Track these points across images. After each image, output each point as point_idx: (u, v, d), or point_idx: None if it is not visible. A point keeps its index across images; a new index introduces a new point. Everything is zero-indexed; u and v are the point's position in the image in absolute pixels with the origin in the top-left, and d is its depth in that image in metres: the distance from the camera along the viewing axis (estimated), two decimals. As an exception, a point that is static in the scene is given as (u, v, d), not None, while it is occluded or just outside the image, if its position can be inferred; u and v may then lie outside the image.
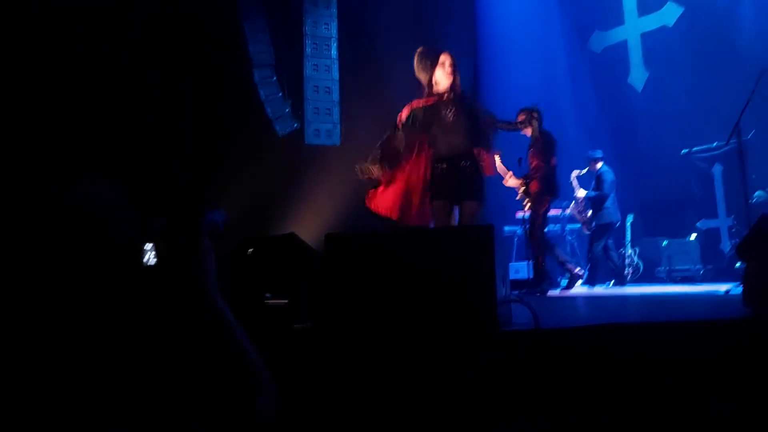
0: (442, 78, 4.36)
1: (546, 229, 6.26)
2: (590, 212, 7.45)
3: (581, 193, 7.43)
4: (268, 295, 2.98)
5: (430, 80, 4.38)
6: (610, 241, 7.39)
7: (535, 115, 5.55)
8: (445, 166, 4.33)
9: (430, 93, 4.40)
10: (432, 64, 4.37)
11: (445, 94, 4.37)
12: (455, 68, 4.36)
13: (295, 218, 6.87)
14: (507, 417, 2.20)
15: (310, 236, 7.10)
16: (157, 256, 1.29)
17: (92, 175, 1.31)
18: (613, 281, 7.36)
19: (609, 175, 7.38)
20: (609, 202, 7.30)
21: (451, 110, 4.31)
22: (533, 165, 5.87)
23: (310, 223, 6.71)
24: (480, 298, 2.38)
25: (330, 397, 2.32)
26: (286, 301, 2.79)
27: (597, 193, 7.32)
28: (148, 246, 1.31)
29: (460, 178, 4.26)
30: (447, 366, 2.25)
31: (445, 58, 4.37)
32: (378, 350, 2.33)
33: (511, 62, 9.18)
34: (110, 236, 1.23)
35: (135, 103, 5.69)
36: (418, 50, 4.45)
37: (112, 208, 1.26)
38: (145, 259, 1.31)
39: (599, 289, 6.85)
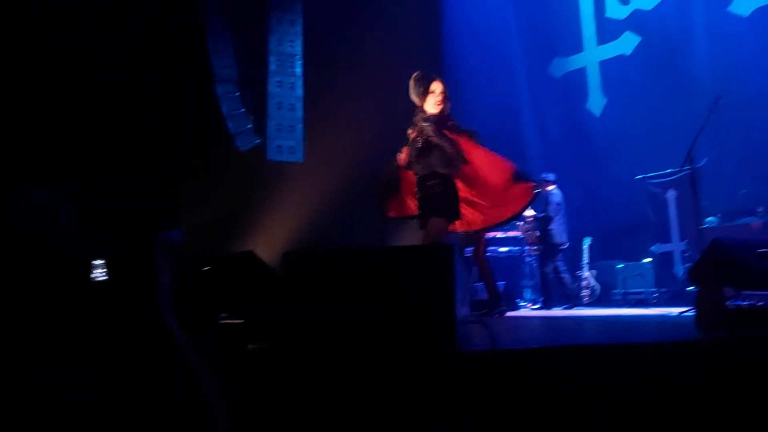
0: (430, 107, 4.43)
1: (507, 250, 6.32)
2: (537, 233, 7.58)
3: (529, 212, 7.54)
4: (223, 314, 2.92)
5: (422, 107, 4.45)
6: (560, 263, 7.49)
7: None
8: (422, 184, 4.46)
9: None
10: (424, 92, 4.45)
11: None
12: (445, 96, 4.45)
13: (256, 235, 6.79)
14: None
15: (271, 254, 7.04)
16: (107, 272, 1.26)
17: (42, 186, 1.27)
18: (570, 304, 7.47)
19: (556, 198, 7.54)
20: (554, 224, 7.43)
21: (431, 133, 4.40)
22: None
23: (270, 241, 6.64)
24: (438, 318, 2.37)
25: (286, 417, 2.28)
26: (241, 320, 2.74)
27: (543, 214, 7.46)
28: (99, 262, 1.27)
29: (426, 197, 4.32)
30: (404, 386, 2.23)
31: (435, 87, 4.46)
32: (334, 370, 2.30)
33: (474, 83, 9.32)
34: (57, 250, 1.19)
35: (92, 114, 5.57)
36: (414, 75, 4.55)
37: (60, 221, 1.22)
38: (93, 275, 1.27)
39: (556, 311, 6.93)
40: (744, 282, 2.83)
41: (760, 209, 7.45)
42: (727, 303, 2.77)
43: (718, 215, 7.82)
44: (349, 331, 2.42)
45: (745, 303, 2.92)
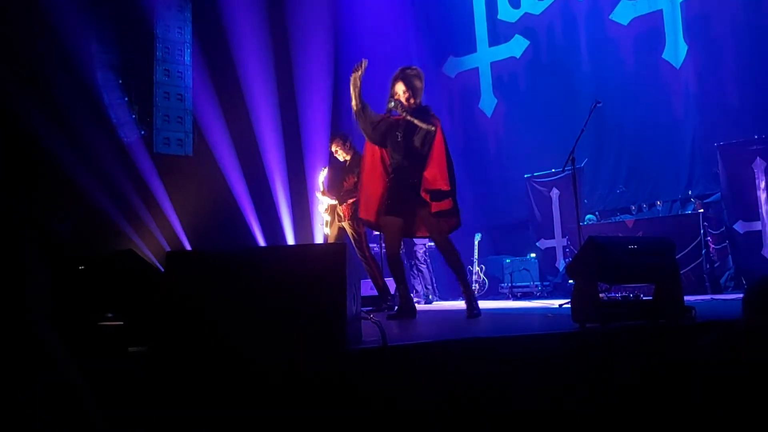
0: (397, 103, 4.37)
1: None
2: None
3: None
4: (109, 315, 2.75)
5: (389, 101, 4.40)
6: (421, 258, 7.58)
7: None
8: (393, 178, 4.36)
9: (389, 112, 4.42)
10: (392, 86, 4.42)
11: (400, 117, 4.36)
12: (401, 101, 4.34)
13: (141, 233, 6.46)
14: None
15: (157, 253, 6.74)
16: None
17: None
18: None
19: None
20: None
21: (400, 133, 4.32)
22: (345, 187, 5.89)
23: (156, 239, 6.34)
24: (328, 317, 2.36)
25: (170, 421, 2.18)
26: (121, 322, 2.59)
27: None
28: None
29: (406, 194, 4.24)
30: (294, 386, 2.20)
31: (394, 92, 4.39)
32: (221, 373, 2.23)
33: (369, 81, 9.35)
34: None
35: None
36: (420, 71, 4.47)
37: None
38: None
39: (446, 304, 7.12)
40: (615, 277, 3.02)
41: (634, 207, 8.03)
42: (601, 296, 2.95)
43: (597, 213, 8.35)
44: (236, 332, 2.35)
45: (618, 296, 3.12)
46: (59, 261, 2.90)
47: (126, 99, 6.97)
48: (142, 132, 7.12)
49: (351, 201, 5.69)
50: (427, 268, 7.47)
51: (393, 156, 4.39)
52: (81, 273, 2.74)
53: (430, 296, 7.41)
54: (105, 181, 6.36)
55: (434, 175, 4.18)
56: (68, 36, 6.42)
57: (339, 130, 5.97)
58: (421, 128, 4.23)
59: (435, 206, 4.14)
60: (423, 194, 4.15)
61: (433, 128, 4.23)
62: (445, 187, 4.16)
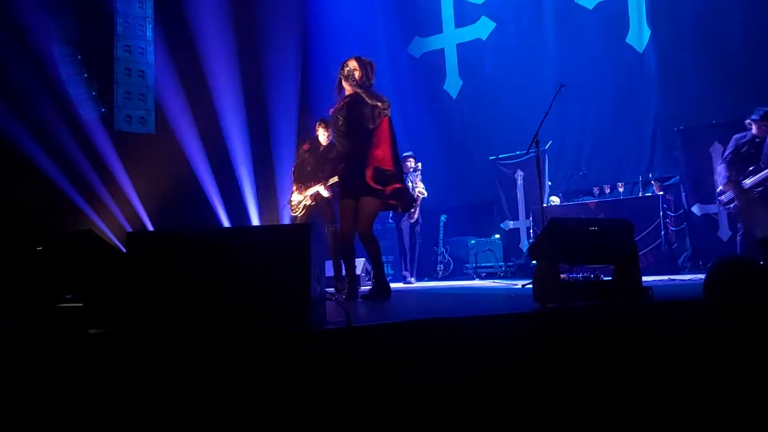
0: (345, 85, 4.36)
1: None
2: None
3: None
4: (68, 296, 2.69)
5: (337, 86, 4.40)
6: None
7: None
8: (343, 165, 4.35)
9: (340, 99, 4.40)
10: (343, 65, 4.39)
11: (344, 100, 4.35)
12: (354, 74, 4.31)
13: (101, 213, 6.32)
14: (327, 415, 2.20)
15: (119, 233, 6.60)
16: None
17: None
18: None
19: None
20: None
21: (342, 115, 4.30)
22: (327, 170, 5.87)
23: (117, 219, 6.21)
24: (291, 298, 2.35)
25: (128, 404, 2.16)
26: (80, 304, 2.54)
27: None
28: None
29: (353, 177, 4.22)
30: (256, 367, 2.20)
31: (347, 65, 4.37)
32: (183, 354, 2.21)
33: (335, 61, 9.28)
34: None
35: None
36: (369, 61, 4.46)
37: None
38: None
39: (413, 285, 7.17)
40: (576, 258, 3.07)
41: (596, 189, 8.17)
42: (562, 276, 3.01)
43: (560, 194, 8.47)
44: (198, 314, 2.33)
45: (579, 276, 3.18)
46: (16, 241, 2.83)
47: (85, 75, 6.75)
48: (103, 109, 6.92)
49: (332, 182, 5.67)
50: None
51: (338, 141, 4.39)
52: (39, 253, 2.67)
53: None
54: (63, 160, 6.19)
55: (385, 153, 4.19)
56: (23, 9, 6.19)
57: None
58: (368, 104, 4.22)
59: (388, 189, 4.17)
60: (368, 171, 4.15)
61: (382, 104, 4.23)
62: (392, 169, 4.18)
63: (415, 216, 7.52)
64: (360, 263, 6.77)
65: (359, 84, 4.30)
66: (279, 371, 2.20)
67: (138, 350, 2.26)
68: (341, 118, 4.30)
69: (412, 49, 10.39)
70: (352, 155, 4.26)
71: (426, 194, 7.62)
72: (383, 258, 4.48)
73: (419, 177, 7.65)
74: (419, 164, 7.72)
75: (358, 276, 6.43)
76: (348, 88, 4.35)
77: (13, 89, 5.98)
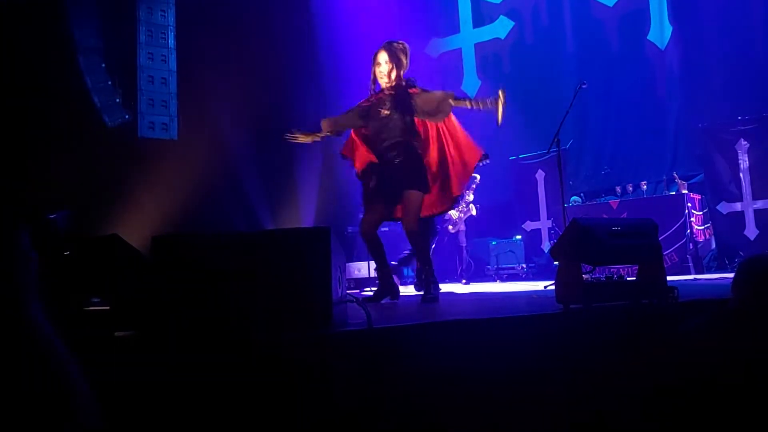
0: (379, 76, 4.13)
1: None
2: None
3: None
4: (96, 299, 2.74)
5: (372, 80, 4.18)
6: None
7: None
8: (376, 171, 4.13)
9: (373, 92, 4.20)
10: (373, 64, 4.15)
11: (384, 92, 4.13)
12: (392, 64, 4.07)
13: (126, 218, 6.40)
14: (343, 417, 2.21)
15: (143, 238, 6.66)
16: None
17: None
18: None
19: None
20: None
21: (386, 105, 4.07)
22: None
23: (141, 224, 6.28)
24: (313, 300, 2.37)
25: (154, 407, 2.19)
26: (107, 307, 2.59)
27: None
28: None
29: (392, 176, 4.04)
30: (279, 368, 2.21)
31: (380, 56, 4.11)
32: (207, 356, 2.23)
33: (352, 63, 9.32)
34: None
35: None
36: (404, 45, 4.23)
37: None
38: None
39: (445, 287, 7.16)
40: (599, 258, 3.05)
41: (618, 189, 8.09)
42: (585, 277, 2.99)
43: (582, 194, 8.40)
44: (222, 316, 2.36)
45: (602, 276, 3.15)
46: (46, 247, 2.88)
47: (110, 83, 6.87)
48: (127, 116, 7.03)
49: None
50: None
51: (379, 133, 4.11)
52: (66, 258, 2.73)
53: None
54: (91, 166, 6.29)
55: (469, 146, 4.27)
56: (50, 20, 6.31)
57: None
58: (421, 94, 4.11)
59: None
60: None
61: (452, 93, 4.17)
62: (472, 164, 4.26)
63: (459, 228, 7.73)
64: (363, 266, 6.81)
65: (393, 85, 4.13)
66: (300, 371, 2.22)
67: (164, 352, 2.29)
68: (383, 109, 4.11)
69: (430, 50, 10.38)
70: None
71: (475, 213, 7.67)
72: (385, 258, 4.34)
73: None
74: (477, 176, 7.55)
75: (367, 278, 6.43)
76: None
77: (43, 97, 6.11)
